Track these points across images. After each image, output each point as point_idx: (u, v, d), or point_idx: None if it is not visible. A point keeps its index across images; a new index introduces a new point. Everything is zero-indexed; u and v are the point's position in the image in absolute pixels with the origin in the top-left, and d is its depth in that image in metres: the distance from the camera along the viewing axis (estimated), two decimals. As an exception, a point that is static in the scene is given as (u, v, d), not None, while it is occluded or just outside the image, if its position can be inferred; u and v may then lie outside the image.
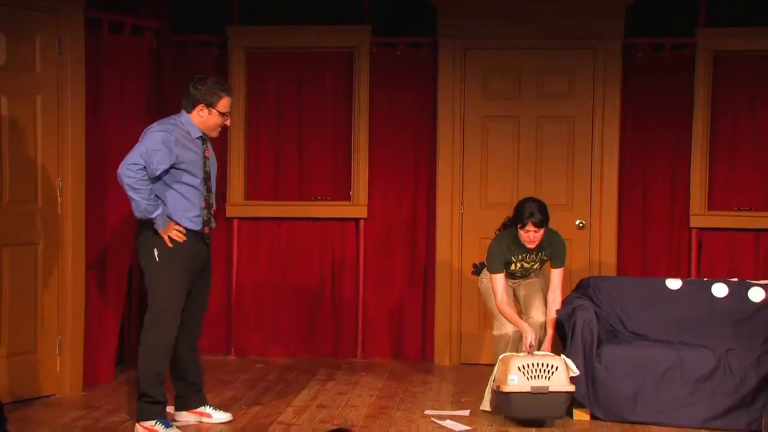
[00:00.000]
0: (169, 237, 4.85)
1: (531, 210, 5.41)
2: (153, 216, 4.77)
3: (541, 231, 5.43)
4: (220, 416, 5.20)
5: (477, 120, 6.86)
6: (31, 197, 5.53)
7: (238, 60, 6.93)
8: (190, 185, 4.88)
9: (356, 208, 6.94)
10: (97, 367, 5.96)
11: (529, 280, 5.69)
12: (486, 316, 5.71)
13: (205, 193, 4.97)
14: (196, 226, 4.93)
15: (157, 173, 4.77)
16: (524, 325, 5.47)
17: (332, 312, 6.98)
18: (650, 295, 5.76)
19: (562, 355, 5.21)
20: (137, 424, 4.93)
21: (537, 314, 5.53)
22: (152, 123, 4.98)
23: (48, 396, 5.62)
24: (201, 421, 5.15)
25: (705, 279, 6.02)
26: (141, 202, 4.73)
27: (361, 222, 6.96)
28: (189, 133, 4.88)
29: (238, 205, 7.02)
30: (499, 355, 5.41)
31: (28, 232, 5.52)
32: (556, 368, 5.06)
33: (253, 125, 7.04)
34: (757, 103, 6.68)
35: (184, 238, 4.87)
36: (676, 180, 6.78)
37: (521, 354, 5.24)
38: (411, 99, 6.91)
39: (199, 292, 5.10)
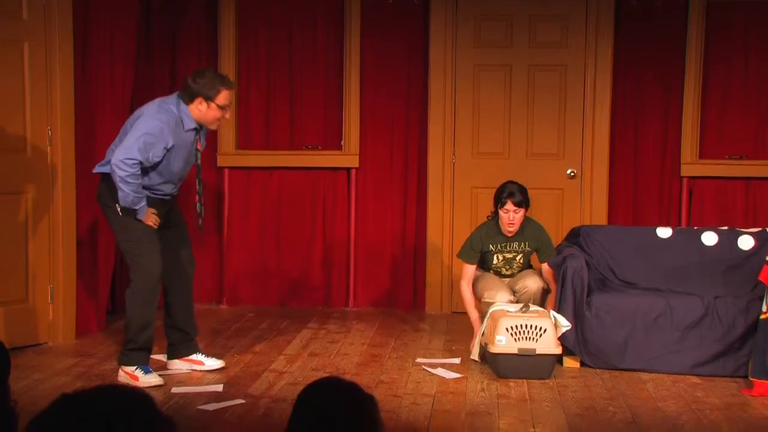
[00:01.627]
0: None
1: (510, 190, 5.45)
2: (137, 207, 4.76)
3: (521, 212, 5.44)
4: (212, 363, 5.21)
5: (469, 69, 6.83)
6: (20, 146, 5.49)
7: (228, 8, 6.86)
8: (170, 171, 4.86)
9: (348, 157, 6.93)
10: (89, 316, 5.98)
11: (524, 272, 5.67)
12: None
13: (197, 186, 5.03)
14: (162, 198, 4.94)
15: (151, 164, 4.76)
16: (476, 320, 5.49)
17: (324, 262, 7.01)
18: (641, 244, 5.79)
19: (552, 312, 5.23)
20: (119, 369, 4.96)
21: (531, 282, 5.51)
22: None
23: (40, 344, 5.64)
24: (193, 369, 5.17)
25: (695, 227, 6.04)
26: (129, 194, 4.71)
27: (353, 171, 6.95)
28: (182, 123, 4.82)
29: (230, 155, 7.00)
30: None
31: (18, 182, 5.49)
32: (545, 330, 5.08)
33: (244, 74, 6.99)
34: (750, 51, 6.66)
35: (159, 222, 4.87)
36: (667, 129, 6.77)
37: (511, 311, 5.25)
38: (402, 48, 6.86)
39: (176, 242, 5.08)
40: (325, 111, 6.98)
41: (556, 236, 6.14)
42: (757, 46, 6.64)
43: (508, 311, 5.21)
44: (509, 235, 5.54)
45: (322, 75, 6.97)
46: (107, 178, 4.84)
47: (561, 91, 6.78)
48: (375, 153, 6.93)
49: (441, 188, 6.87)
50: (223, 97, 4.83)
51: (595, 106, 6.74)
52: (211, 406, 4.50)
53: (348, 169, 6.96)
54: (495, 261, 5.62)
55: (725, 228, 5.85)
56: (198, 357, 5.22)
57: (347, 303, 7.02)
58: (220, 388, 4.82)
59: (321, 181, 6.95)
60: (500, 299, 5.39)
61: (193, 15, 6.88)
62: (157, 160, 4.75)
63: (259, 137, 7.06)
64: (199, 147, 4.98)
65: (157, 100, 4.90)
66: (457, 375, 5.14)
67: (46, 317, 5.67)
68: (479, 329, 5.41)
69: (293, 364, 5.34)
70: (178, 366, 5.19)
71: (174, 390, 4.76)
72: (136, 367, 4.91)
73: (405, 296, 6.98)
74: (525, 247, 5.60)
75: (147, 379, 4.86)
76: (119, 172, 4.68)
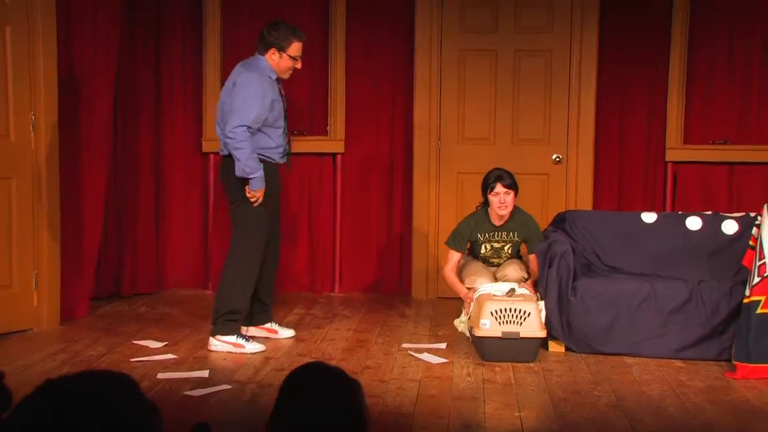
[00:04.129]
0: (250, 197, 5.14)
1: (498, 173, 5.50)
2: (251, 176, 5.06)
3: (512, 194, 5.46)
4: (286, 332, 5.58)
5: (454, 54, 6.81)
6: (2, 132, 5.45)
7: (212, -8, 6.82)
8: (275, 127, 5.19)
9: (333, 142, 6.92)
10: (74, 302, 5.96)
11: (508, 261, 5.69)
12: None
13: (286, 129, 5.32)
14: (283, 159, 5.30)
15: (260, 125, 5.08)
16: (466, 294, 5.51)
17: (310, 247, 7.00)
18: (626, 229, 5.80)
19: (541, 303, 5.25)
20: (213, 338, 5.23)
21: (511, 271, 5.54)
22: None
23: (25, 330, 5.61)
24: (268, 337, 5.50)
25: (679, 212, 6.06)
26: (241, 161, 5.02)
27: (339, 157, 6.94)
28: (270, 77, 5.16)
29: (215, 140, 6.94)
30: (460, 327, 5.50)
31: (1, 167, 5.45)
32: (529, 314, 5.10)
33: (228, 60, 6.94)
34: (735, 36, 6.66)
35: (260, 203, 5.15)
36: (652, 114, 6.78)
37: (496, 294, 5.27)
38: (388, 32, 6.84)
39: (276, 219, 5.40)
40: (310, 96, 6.96)
41: (542, 221, 6.15)
42: (742, 31, 6.65)
43: (493, 295, 5.23)
44: (499, 222, 5.55)
45: (307, 60, 6.90)
46: (227, 158, 5.15)
47: (546, 76, 6.78)
48: (361, 138, 6.92)
49: (427, 174, 6.87)
50: (295, 48, 5.18)
51: (580, 92, 6.74)
52: (197, 392, 4.50)
53: (334, 155, 6.94)
54: (483, 250, 5.63)
55: (709, 213, 5.87)
56: (273, 326, 5.57)
57: (333, 288, 7.01)
58: (206, 373, 4.81)
59: (306, 166, 6.92)
60: (481, 285, 5.42)
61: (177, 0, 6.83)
62: (265, 116, 5.08)
63: (245, 123, 7.02)
64: (282, 94, 5.28)
65: (240, 63, 5.25)
66: (443, 360, 5.15)
67: (31, 303, 5.64)
68: (471, 301, 5.42)
69: (279, 350, 5.34)
70: (253, 333, 5.48)
71: (160, 376, 4.75)
72: (236, 335, 5.23)
73: (391, 282, 6.99)
74: (514, 237, 5.61)
75: (252, 347, 5.22)
76: (231, 142, 5.01)
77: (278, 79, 5.25)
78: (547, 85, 6.78)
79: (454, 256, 5.63)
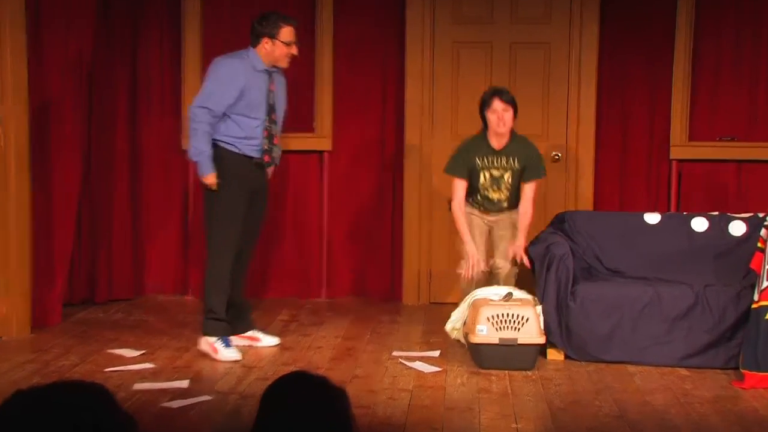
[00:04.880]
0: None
1: (495, 88, 5.57)
2: (194, 159, 5.27)
3: (510, 112, 5.48)
4: (270, 340, 5.59)
5: (447, 46, 6.82)
6: (-30, 129, 5.45)
7: (191, -20, 6.81)
8: (247, 116, 5.28)
9: (320, 140, 6.91)
10: (45, 309, 5.94)
11: (503, 220, 5.69)
12: (459, 253, 5.76)
13: (268, 124, 5.37)
14: (256, 154, 5.34)
15: (223, 109, 5.21)
16: (469, 247, 5.53)
17: (295, 250, 7.00)
18: (628, 230, 5.83)
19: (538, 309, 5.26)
20: (202, 337, 5.34)
21: (501, 261, 5.57)
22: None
23: (-6, 339, 5.61)
24: (251, 345, 5.53)
25: (684, 213, 6.09)
26: (191, 142, 5.25)
27: (326, 155, 6.94)
28: (254, 67, 5.30)
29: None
30: (464, 293, 5.49)
31: (-32, 167, 5.45)
32: (527, 320, 5.11)
33: (209, 52, 6.93)
34: (743, 25, 6.66)
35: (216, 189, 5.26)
36: (655, 109, 6.79)
37: (493, 299, 5.27)
38: (378, 24, 6.83)
39: (252, 218, 5.43)
40: (296, 91, 6.92)
41: (540, 223, 6.17)
42: (750, 20, 6.64)
43: (490, 300, 5.25)
44: (498, 145, 5.53)
45: (292, 52, 6.92)
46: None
47: (544, 69, 6.79)
48: (349, 135, 6.91)
49: (418, 172, 6.87)
50: (286, 33, 5.33)
51: (580, 86, 6.75)
52: (176, 404, 4.49)
53: (321, 152, 6.94)
54: (482, 180, 5.60)
55: (716, 213, 5.89)
56: (255, 333, 5.60)
57: (320, 293, 7.01)
58: (185, 384, 4.81)
59: (291, 165, 6.90)
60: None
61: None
62: (230, 101, 5.19)
63: (226, 119, 7.01)
64: (272, 88, 5.39)
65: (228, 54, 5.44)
66: (436, 368, 5.15)
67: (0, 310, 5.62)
68: (473, 254, 5.48)
69: (263, 359, 5.34)
70: (236, 342, 5.46)
71: (136, 386, 4.75)
72: (217, 338, 5.29)
73: (381, 286, 6.99)
74: (514, 164, 5.59)
75: (225, 354, 5.25)
76: (190, 123, 5.23)
77: (272, 73, 5.38)
78: (545, 78, 6.79)
79: (459, 186, 5.61)
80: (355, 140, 6.93)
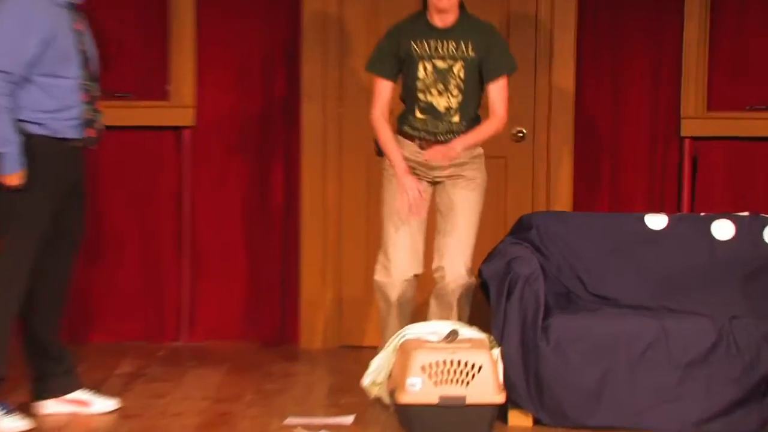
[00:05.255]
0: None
1: None
2: (4, 150, 5.05)
3: None
4: (104, 404, 5.51)
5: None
6: None
7: None
8: (58, 76, 5.14)
9: (177, 111, 6.92)
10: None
11: (459, 203, 5.67)
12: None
13: (86, 81, 5.25)
14: (76, 132, 5.22)
15: (23, 70, 5.03)
16: (399, 169, 5.56)
17: (140, 273, 6.99)
18: (622, 240, 5.88)
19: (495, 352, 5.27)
20: None
21: (452, 264, 5.57)
22: None
23: None
24: (76, 412, 5.44)
25: (702, 214, 6.14)
26: None
27: (186, 133, 6.93)
28: None
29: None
30: (385, 321, 5.59)
31: None
32: (479, 369, 5.09)
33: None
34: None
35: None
36: (660, 69, 6.88)
37: (430, 339, 5.27)
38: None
39: (68, 222, 5.35)
40: (141, 41, 6.88)
41: (498, 226, 6.20)
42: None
43: (426, 341, 5.24)
44: (442, 23, 5.53)
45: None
46: None
47: (502, 15, 6.80)
48: (219, 105, 6.93)
49: (322, 159, 6.87)
50: None
51: (552, 36, 6.80)
52: None
53: (178, 129, 6.92)
54: (421, 73, 5.57)
55: (745, 214, 5.96)
56: (82, 395, 5.49)
57: (179, 335, 7.00)
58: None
59: (135, 147, 6.91)
60: (399, 275, 5.55)
61: None
62: (32, 56, 5.00)
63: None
64: (79, 27, 5.24)
65: None
66: (349, 442, 5.15)
67: None
68: (408, 191, 5.51)
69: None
70: (54, 408, 5.41)
71: None
72: None
73: (268, 324, 7.01)
74: (467, 52, 5.57)
75: (7, 426, 5.12)
76: None
77: (70, 6, 5.23)
78: (503, 28, 6.75)
79: (382, 87, 5.65)
80: (229, 112, 6.94)
